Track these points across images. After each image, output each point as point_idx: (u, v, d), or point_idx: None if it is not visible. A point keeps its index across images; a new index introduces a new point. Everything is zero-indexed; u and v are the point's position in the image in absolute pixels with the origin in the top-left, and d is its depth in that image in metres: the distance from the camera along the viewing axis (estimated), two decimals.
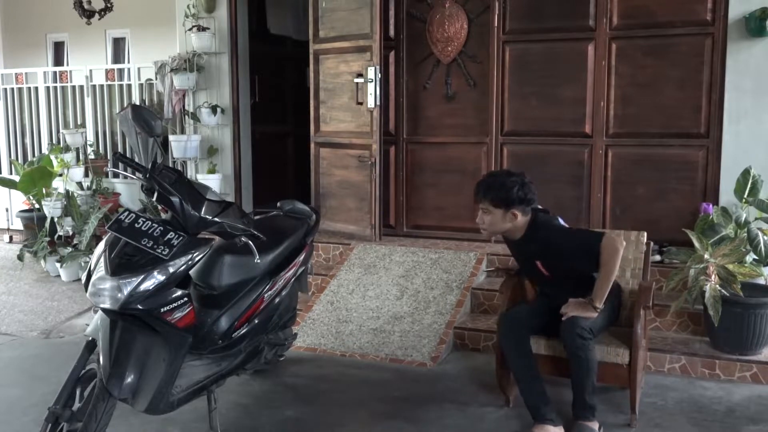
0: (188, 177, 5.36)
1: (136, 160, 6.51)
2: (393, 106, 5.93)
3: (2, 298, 5.81)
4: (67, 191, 6.60)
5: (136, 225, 2.88)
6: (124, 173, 5.84)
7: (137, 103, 6.97)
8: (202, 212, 3.00)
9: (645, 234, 3.89)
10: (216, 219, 3.03)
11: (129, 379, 2.81)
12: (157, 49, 7.00)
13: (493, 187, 3.36)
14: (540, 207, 3.50)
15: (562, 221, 3.59)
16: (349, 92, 5.75)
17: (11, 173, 7.72)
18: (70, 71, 7.62)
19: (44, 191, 6.70)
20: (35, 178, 6.68)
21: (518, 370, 3.43)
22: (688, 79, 5.07)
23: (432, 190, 5.92)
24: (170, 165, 5.88)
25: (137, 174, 3.16)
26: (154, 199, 2.99)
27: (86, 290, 2.90)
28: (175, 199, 2.95)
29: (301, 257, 3.82)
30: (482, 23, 5.57)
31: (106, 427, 2.85)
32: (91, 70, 7.41)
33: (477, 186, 3.43)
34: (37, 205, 6.82)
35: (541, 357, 3.47)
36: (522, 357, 3.41)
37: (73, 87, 7.48)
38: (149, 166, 3.06)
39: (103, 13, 7.45)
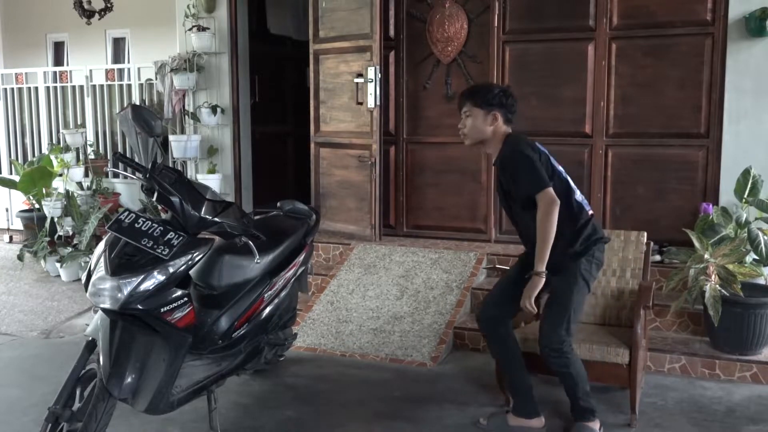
0: (188, 177, 5.36)
1: (136, 160, 6.50)
2: (393, 106, 5.92)
3: (2, 298, 5.81)
4: (67, 191, 6.59)
5: (136, 225, 2.89)
6: (124, 173, 5.83)
7: (137, 103, 6.97)
8: (202, 212, 3.00)
9: (645, 234, 3.88)
10: (216, 219, 3.03)
11: (129, 379, 2.82)
12: (157, 49, 6.99)
13: (475, 89, 3.45)
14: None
15: (547, 153, 3.29)
16: (349, 92, 5.75)
17: (11, 173, 7.71)
18: (70, 71, 7.62)
19: (44, 191, 6.70)
20: (35, 178, 6.68)
21: (502, 364, 3.51)
22: (688, 79, 5.07)
23: (432, 190, 5.91)
24: (170, 165, 5.89)
25: (137, 174, 3.16)
26: (154, 199, 3.00)
27: (86, 290, 2.90)
28: (175, 199, 2.96)
29: (301, 257, 3.82)
30: (482, 23, 5.57)
31: (106, 427, 2.85)
32: (91, 70, 7.41)
33: (461, 93, 3.44)
34: (37, 205, 6.81)
35: (534, 356, 3.42)
36: (504, 352, 3.45)
37: (73, 87, 7.48)
38: (149, 166, 3.06)
39: (103, 13, 7.44)
